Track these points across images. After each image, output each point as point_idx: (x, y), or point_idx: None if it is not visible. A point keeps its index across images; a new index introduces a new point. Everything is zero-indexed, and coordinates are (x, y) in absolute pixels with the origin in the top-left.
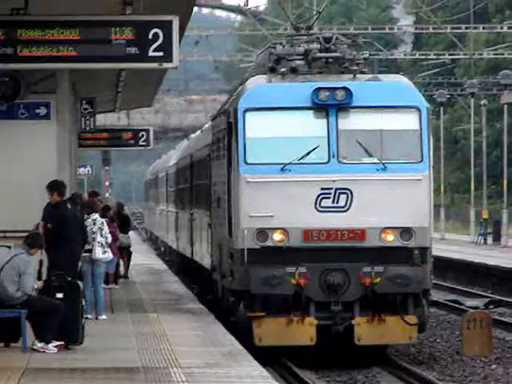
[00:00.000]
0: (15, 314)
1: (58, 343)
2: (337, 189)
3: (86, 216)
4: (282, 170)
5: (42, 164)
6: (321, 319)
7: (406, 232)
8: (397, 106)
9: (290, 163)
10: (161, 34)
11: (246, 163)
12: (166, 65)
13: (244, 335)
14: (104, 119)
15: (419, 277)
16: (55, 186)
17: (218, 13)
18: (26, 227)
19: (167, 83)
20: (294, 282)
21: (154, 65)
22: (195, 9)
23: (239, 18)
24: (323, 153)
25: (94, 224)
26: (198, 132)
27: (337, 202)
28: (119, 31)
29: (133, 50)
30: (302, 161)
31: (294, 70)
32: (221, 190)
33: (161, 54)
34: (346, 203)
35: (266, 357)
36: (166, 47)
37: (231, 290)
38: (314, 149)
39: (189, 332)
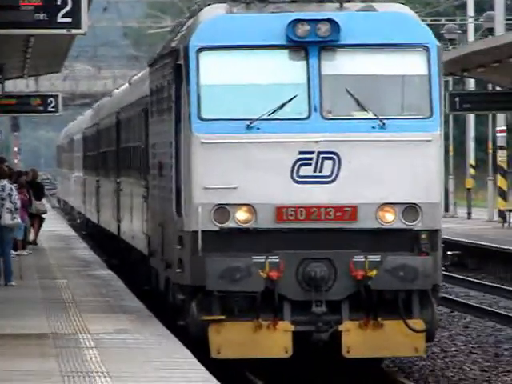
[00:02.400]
0: None
1: None
2: (320, 152)
3: None
4: (248, 127)
5: None
6: (298, 324)
7: (410, 210)
8: (398, 43)
9: (258, 119)
10: (69, 0)
11: (201, 119)
12: (74, 31)
13: (197, 344)
14: (13, 86)
15: (428, 268)
16: None
17: None
18: None
19: (76, 49)
20: (263, 276)
21: (63, 31)
22: None
23: None
24: (302, 105)
25: (3, 190)
26: (125, 85)
27: (320, 171)
28: None
29: (41, 15)
30: (273, 116)
31: None
32: (164, 153)
33: (69, 20)
34: (331, 172)
35: (227, 372)
36: (75, 13)
37: (180, 286)
38: (290, 100)
39: (98, 298)
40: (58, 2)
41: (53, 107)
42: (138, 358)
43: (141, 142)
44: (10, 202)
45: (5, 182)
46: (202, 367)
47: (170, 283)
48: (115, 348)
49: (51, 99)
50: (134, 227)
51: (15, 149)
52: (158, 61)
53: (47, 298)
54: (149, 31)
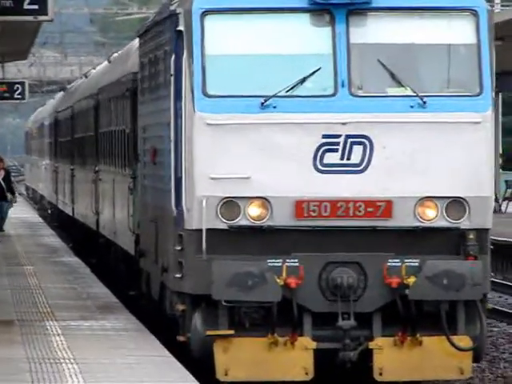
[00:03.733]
0: None
1: None
2: (348, 136)
3: None
4: (263, 106)
5: None
6: (321, 340)
7: (455, 205)
8: (441, 7)
9: (274, 96)
10: None
11: (206, 95)
12: (41, 18)
13: (200, 363)
14: None
15: (477, 275)
16: None
17: None
18: None
19: (43, 36)
20: (279, 283)
21: (30, 18)
22: None
23: None
24: (327, 80)
25: None
26: (104, 64)
27: (348, 158)
28: None
29: (7, 2)
30: (293, 92)
31: None
32: (158, 137)
33: (36, 6)
34: (362, 159)
35: None
36: (41, 0)
37: (179, 294)
38: (313, 73)
39: (64, 285)
40: None
41: (19, 94)
42: (104, 345)
43: (126, 126)
44: None
45: None
46: (170, 354)
47: (167, 290)
48: (82, 335)
49: (18, 86)
50: (116, 222)
51: None
52: (152, 29)
53: (14, 284)
54: (116, 18)
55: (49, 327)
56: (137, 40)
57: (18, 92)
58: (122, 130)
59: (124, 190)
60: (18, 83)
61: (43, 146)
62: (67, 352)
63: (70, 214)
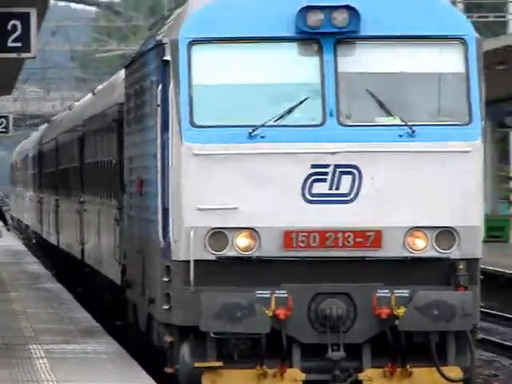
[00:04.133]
0: None
1: None
2: (337, 166)
3: None
4: (251, 136)
5: None
6: (311, 372)
7: (445, 235)
8: (430, 35)
9: (262, 125)
10: (19, 25)
11: (193, 125)
12: (24, 55)
13: None
14: None
15: (467, 306)
16: None
17: (74, 6)
18: None
19: (25, 72)
20: (268, 314)
21: (13, 55)
22: (52, 1)
23: (94, 9)
24: (315, 109)
25: None
26: (88, 96)
27: (337, 188)
28: None
29: None
30: (281, 122)
31: None
32: (145, 167)
33: (19, 44)
34: (351, 189)
35: None
36: (25, 38)
37: (167, 325)
38: (301, 103)
39: (47, 310)
40: (9, 28)
41: (4, 127)
42: (86, 368)
43: (112, 157)
44: None
45: None
46: (149, 376)
47: (154, 321)
48: (64, 358)
49: (2, 120)
50: (102, 252)
51: None
52: (138, 60)
53: (1, 310)
54: (95, 55)
55: (32, 351)
56: (122, 72)
57: (2, 125)
58: (108, 160)
59: (110, 221)
60: (3, 117)
61: (28, 177)
62: (50, 374)
63: (55, 243)
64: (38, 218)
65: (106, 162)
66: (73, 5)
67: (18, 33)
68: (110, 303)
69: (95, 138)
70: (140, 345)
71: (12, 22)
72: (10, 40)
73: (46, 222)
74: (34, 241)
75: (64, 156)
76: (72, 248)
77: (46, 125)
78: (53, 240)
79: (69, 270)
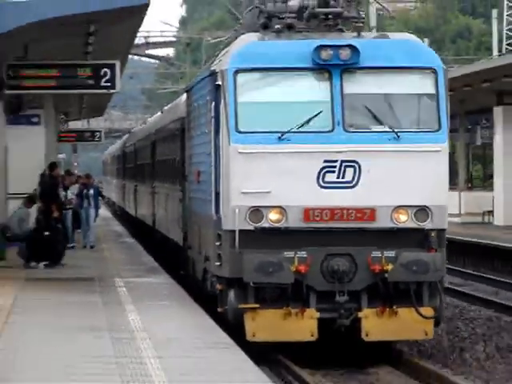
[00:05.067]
0: (18, 245)
1: (45, 262)
2: (343, 161)
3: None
4: (280, 139)
5: (35, 153)
6: (323, 311)
7: (421, 211)
8: (410, 66)
9: (288, 131)
10: (109, 72)
11: (238, 131)
12: (111, 90)
13: (234, 329)
14: (74, 124)
15: (437, 263)
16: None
17: (144, 59)
18: (27, 191)
19: (112, 101)
20: (292, 269)
21: (104, 91)
22: (130, 56)
23: (157, 61)
24: (326, 120)
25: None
26: (157, 114)
27: (342, 177)
28: (83, 70)
29: (91, 81)
30: (301, 129)
31: (290, 27)
32: (201, 162)
33: (108, 84)
34: (353, 178)
35: (261, 352)
36: (112, 80)
37: (218, 277)
38: (316, 115)
39: (125, 256)
40: (102, 73)
41: (98, 138)
42: (150, 292)
43: (176, 155)
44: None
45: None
46: (189, 297)
47: (209, 274)
48: (136, 287)
49: (97, 133)
50: (168, 222)
51: (75, 164)
52: (196, 85)
53: (96, 255)
54: (157, 91)
55: (116, 282)
56: (183, 96)
57: (97, 136)
58: (173, 158)
59: (175, 200)
60: (98, 131)
61: (114, 170)
62: (127, 297)
63: (134, 214)
64: (121, 197)
65: (171, 159)
66: (143, 58)
67: (107, 76)
68: (174, 258)
69: (163, 143)
70: (195, 289)
71: (104, 70)
72: (102, 81)
73: (128, 199)
74: (118, 212)
75: (140, 155)
76: (146, 218)
77: (127, 135)
78: (132, 212)
79: (142, 232)
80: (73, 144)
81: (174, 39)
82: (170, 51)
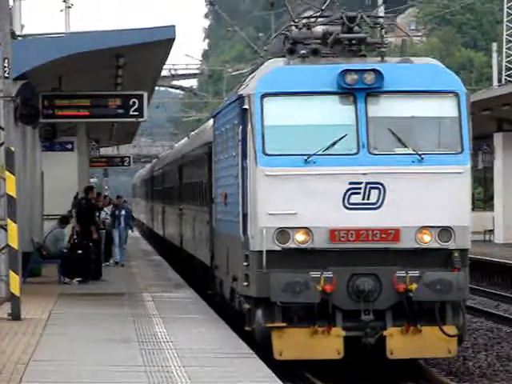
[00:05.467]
0: (54, 263)
1: (79, 279)
2: (367, 183)
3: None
4: (306, 161)
5: (69, 177)
6: (349, 330)
7: (444, 232)
8: (433, 90)
9: (314, 154)
10: (137, 102)
11: (265, 154)
12: (139, 119)
13: (262, 347)
14: (105, 150)
15: (461, 282)
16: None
17: (170, 89)
18: (62, 212)
19: (140, 129)
20: (319, 289)
21: (133, 119)
22: (156, 88)
23: (182, 92)
24: (352, 143)
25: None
26: (184, 140)
27: (367, 198)
28: (113, 100)
29: (121, 110)
30: (327, 152)
31: (315, 52)
32: (228, 185)
33: (137, 113)
34: (377, 199)
35: (287, 371)
36: (140, 109)
37: (246, 297)
38: (341, 138)
39: (153, 272)
40: (130, 103)
41: (127, 163)
42: (176, 306)
43: (203, 178)
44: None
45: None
46: (212, 310)
47: (236, 293)
48: (163, 301)
49: (126, 158)
50: (196, 242)
51: (106, 187)
52: (223, 110)
53: (126, 272)
54: (183, 119)
55: (144, 296)
56: (209, 122)
57: (126, 162)
58: (200, 181)
59: (202, 222)
60: (127, 157)
61: (143, 192)
62: (155, 311)
63: (162, 235)
64: (150, 218)
65: (198, 182)
66: (169, 89)
67: (135, 106)
68: (201, 278)
69: (190, 166)
70: (223, 307)
71: (132, 100)
72: (131, 110)
73: (156, 220)
74: (147, 233)
75: (168, 179)
76: (173, 238)
77: (155, 159)
78: (160, 233)
79: (170, 251)
80: (104, 169)
81: (197, 71)
82: (193, 82)
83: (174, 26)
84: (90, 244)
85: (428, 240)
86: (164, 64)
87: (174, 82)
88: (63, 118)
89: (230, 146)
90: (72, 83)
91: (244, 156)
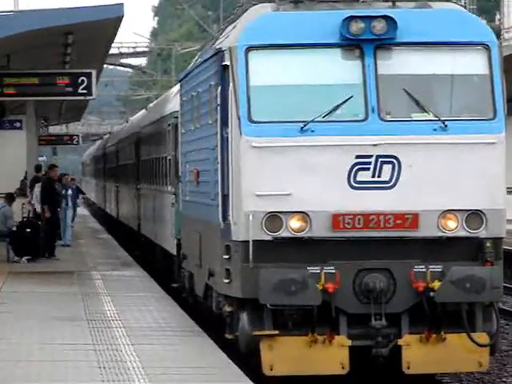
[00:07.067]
0: (3, 241)
1: (28, 257)
2: (379, 156)
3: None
4: (302, 130)
5: (17, 155)
6: (356, 338)
7: (474, 217)
8: (458, 42)
9: (312, 121)
10: (86, 80)
11: (251, 121)
12: (88, 97)
13: (248, 359)
14: (53, 129)
15: (495, 279)
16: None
17: (118, 68)
18: (9, 190)
19: (89, 107)
20: (319, 288)
21: (82, 97)
22: (105, 65)
23: (130, 70)
24: (358, 107)
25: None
26: (141, 112)
27: (379, 176)
28: (62, 78)
29: (69, 89)
30: (328, 118)
31: None
32: (202, 160)
33: (85, 91)
34: (391, 177)
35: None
36: (89, 87)
37: (227, 297)
38: (346, 101)
39: (102, 250)
40: (79, 81)
41: (76, 141)
42: (125, 284)
43: (167, 154)
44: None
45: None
46: (161, 289)
47: (213, 292)
48: (112, 279)
49: (75, 137)
50: (157, 227)
51: None
52: (193, 71)
53: (75, 250)
54: (131, 98)
55: (93, 275)
56: (173, 89)
57: (76, 140)
58: (163, 157)
59: (165, 203)
60: (76, 135)
61: (94, 170)
62: (104, 289)
63: (115, 216)
64: (102, 198)
65: (160, 158)
66: (118, 67)
67: (84, 84)
68: (162, 265)
69: (150, 141)
70: (191, 304)
71: (81, 78)
72: (80, 88)
73: (109, 201)
74: (98, 213)
75: (123, 156)
76: (129, 221)
77: (107, 135)
78: (114, 213)
79: (124, 235)
80: (53, 147)
81: (146, 49)
82: (142, 61)
83: (122, 4)
84: (39, 222)
85: (453, 227)
86: (113, 42)
87: (123, 61)
88: (11, 97)
89: (205, 113)
90: (20, 61)
91: (224, 124)
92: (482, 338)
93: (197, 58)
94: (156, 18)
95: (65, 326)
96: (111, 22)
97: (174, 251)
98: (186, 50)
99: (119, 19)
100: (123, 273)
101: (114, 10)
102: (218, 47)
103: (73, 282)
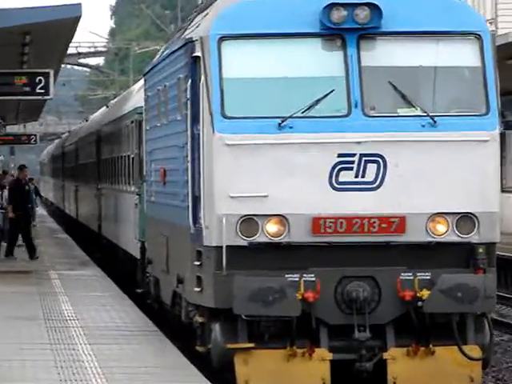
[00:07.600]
0: None
1: None
2: (362, 155)
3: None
4: (279, 127)
5: None
6: (338, 351)
7: (465, 220)
8: (448, 31)
9: (290, 116)
10: (43, 79)
11: (224, 117)
12: (46, 97)
13: (220, 374)
14: (11, 128)
15: (488, 288)
16: None
17: (76, 67)
18: None
19: (46, 107)
20: (298, 297)
21: (39, 97)
22: (62, 65)
23: (88, 69)
24: (340, 101)
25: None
26: (101, 110)
27: (362, 176)
28: (19, 78)
29: (27, 88)
30: (308, 113)
31: None
32: (169, 159)
33: (43, 90)
34: (376, 177)
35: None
36: (46, 87)
37: (198, 307)
38: (327, 95)
39: (59, 250)
40: (37, 81)
41: (34, 141)
42: (82, 283)
43: (129, 152)
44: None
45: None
46: (118, 288)
47: (182, 300)
48: (70, 279)
49: (33, 136)
50: (119, 229)
51: (12, 165)
52: (159, 64)
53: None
54: (89, 97)
55: (51, 274)
56: (136, 85)
57: (33, 139)
58: (126, 155)
59: (128, 205)
60: (34, 135)
61: (52, 170)
62: (61, 289)
63: (75, 216)
64: (60, 198)
65: (122, 157)
66: (76, 67)
67: (42, 84)
68: (120, 265)
69: (111, 139)
70: (156, 311)
71: (38, 77)
72: (37, 88)
73: (67, 201)
74: (56, 213)
75: (83, 155)
76: (89, 222)
77: (66, 134)
78: (73, 214)
79: (84, 236)
80: (10, 147)
81: (103, 49)
82: (100, 60)
83: (80, 4)
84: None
85: (443, 231)
86: (70, 42)
87: (81, 60)
88: None
89: (172, 109)
90: None
91: (195, 120)
92: (474, 351)
93: (163, 49)
94: (114, 18)
95: (22, 326)
96: (69, 22)
97: (137, 255)
98: (144, 50)
99: (77, 19)
100: (81, 272)
101: (71, 10)
102: (187, 37)
103: (30, 281)
